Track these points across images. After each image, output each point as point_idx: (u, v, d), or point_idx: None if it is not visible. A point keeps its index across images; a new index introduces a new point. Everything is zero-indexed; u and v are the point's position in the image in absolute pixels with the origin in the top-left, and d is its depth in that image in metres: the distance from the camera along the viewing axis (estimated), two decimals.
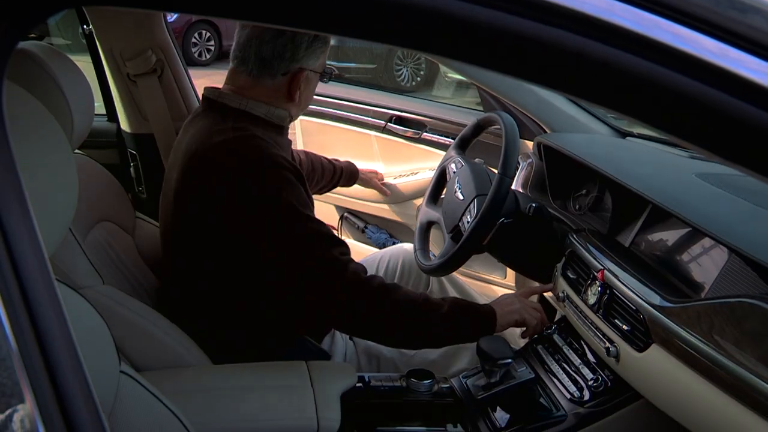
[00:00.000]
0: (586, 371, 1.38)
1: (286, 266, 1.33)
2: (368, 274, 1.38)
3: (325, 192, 2.17)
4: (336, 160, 2.15)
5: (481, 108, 2.35)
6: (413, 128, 2.43)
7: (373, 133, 2.52)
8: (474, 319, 1.41)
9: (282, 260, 1.33)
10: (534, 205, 1.51)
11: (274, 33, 1.39)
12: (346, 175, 2.19)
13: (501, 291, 2.06)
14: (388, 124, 2.47)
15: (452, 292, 1.85)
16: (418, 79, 7.91)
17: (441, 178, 1.77)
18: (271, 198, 1.31)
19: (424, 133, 2.39)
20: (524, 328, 1.51)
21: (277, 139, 1.42)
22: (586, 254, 1.41)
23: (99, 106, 1.86)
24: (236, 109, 1.41)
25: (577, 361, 1.42)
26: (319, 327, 1.55)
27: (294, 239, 1.32)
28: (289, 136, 1.54)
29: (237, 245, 1.34)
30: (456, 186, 1.62)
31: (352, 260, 1.37)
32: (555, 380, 1.41)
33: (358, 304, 1.34)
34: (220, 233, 1.34)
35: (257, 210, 1.31)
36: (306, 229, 1.33)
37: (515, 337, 1.78)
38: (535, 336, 1.53)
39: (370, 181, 2.32)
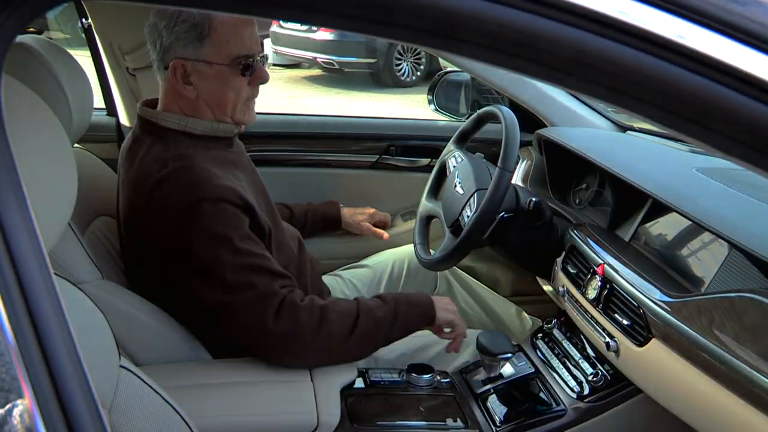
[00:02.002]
0: (585, 366, 1.38)
1: (229, 297, 1.27)
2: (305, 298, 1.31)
3: None
4: (310, 203, 1.87)
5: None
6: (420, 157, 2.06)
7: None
8: (413, 309, 1.38)
9: (224, 292, 1.27)
10: (534, 199, 1.51)
11: (150, 22, 1.32)
12: (319, 220, 1.85)
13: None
14: (382, 156, 2.10)
15: (461, 292, 1.85)
16: (419, 73, 7.90)
17: (441, 173, 1.77)
18: (209, 234, 1.26)
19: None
20: (450, 341, 1.45)
21: (223, 155, 1.37)
22: (586, 249, 1.41)
23: (98, 100, 1.85)
24: (176, 130, 1.35)
25: (576, 355, 1.42)
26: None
27: (231, 273, 1.26)
28: None
29: (188, 282, 1.30)
30: (456, 180, 1.62)
31: (293, 291, 1.31)
32: (555, 375, 1.42)
33: (297, 329, 1.28)
34: (165, 266, 1.31)
35: (198, 247, 1.26)
36: (243, 265, 1.27)
37: (514, 331, 1.78)
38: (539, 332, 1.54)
39: (362, 227, 1.92)
